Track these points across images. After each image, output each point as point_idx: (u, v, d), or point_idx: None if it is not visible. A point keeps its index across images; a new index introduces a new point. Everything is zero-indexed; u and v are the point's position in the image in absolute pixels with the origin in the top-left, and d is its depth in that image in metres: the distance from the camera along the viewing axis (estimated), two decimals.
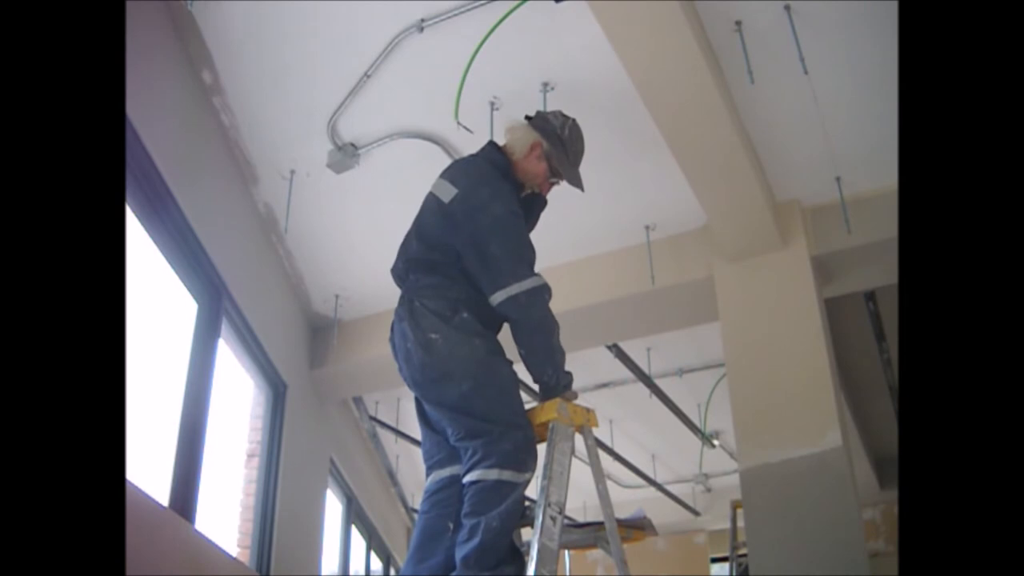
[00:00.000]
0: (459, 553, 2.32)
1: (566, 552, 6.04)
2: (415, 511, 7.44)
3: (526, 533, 2.47)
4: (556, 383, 2.54)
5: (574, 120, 2.87)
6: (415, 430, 6.47)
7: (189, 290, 3.68)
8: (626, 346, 5.48)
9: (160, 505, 2.94)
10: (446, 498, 2.52)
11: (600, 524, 2.58)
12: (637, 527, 2.77)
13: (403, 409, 6.51)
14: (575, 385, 2.59)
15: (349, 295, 5.04)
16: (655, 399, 6.21)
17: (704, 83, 3.23)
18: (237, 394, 4.56)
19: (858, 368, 5.89)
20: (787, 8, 3.26)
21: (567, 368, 2.59)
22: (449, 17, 3.41)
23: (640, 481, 7.81)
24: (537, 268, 2.59)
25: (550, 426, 2.46)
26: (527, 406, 2.54)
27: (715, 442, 7.29)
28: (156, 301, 3.60)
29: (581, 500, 6.81)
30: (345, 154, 3.98)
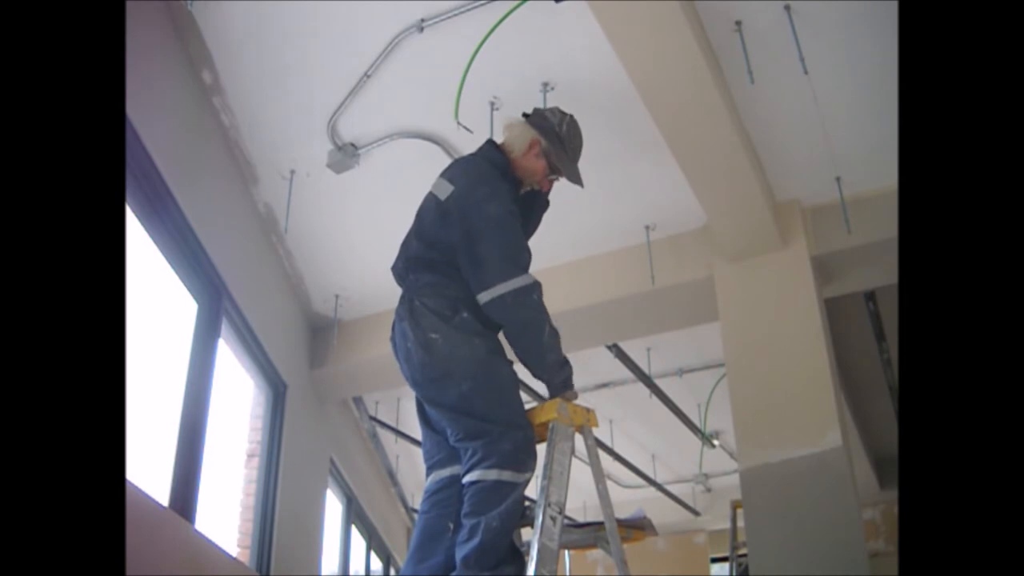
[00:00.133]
0: (459, 553, 2.32)
1: (566, 552, 6.03)
2: (415, 511, 7.44)
3: (526, 533, 2.47)
4: (549, 382, 2.53)
5: (572, 116, 2.87)
6: (415, 430, 6.49)
7: (189, 290, 3.68)
8: (626, 346, 5.48)
9: (160, 505, 2.94)
10: (446, 498, 2.51)
11: (600, 524, 2.58)
12: (637, 527, 2.77)
13: (403, 409, 6.52)
14: (575, 385, 2.59)
15: (349, 295, 5.04)
16: (655, 399, 6.21)
17: (704, 83, 3.23)
18: (237, 394, 4.56)
19: (858, 368, 5.89)
20: (787, 8, 3.26)
21: (569, 361, 2.56)
22: (449, 17, 3.41)
23: (640, 481, 7.81)
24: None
25: (550, 426, 2.45)
26: (527, 406, 2.54)
27: (715, 442, 7.29)
28: (156, 301, 3.61)
29: (581, 500, 6.81)
30: (345, 154, 3.98)
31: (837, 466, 3.70)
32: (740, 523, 4.33)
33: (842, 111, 3.74)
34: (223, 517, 4.23)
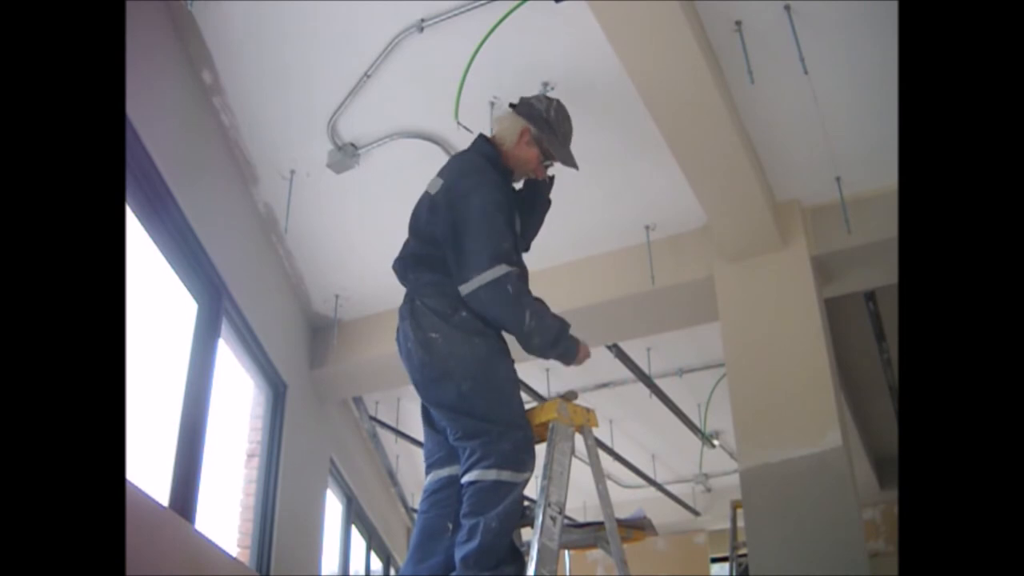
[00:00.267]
0: (459, 554, 2.32)
1: (566, 552, 6.03)
2: (415, 511, 7.42)
3: (526, 533, 2.47)
4: (556, 353, 2.54)
5: (558, 100, 2.88)
6: (415, 430, 6.51)
7: (189, 290, 3.68)
8: (626, 346, 5.48)
9: (160, 505, 2.94)
10: (445, 498, 2.51)
11: (600, 524, 2.58)
12: (637, 527, 2.78)
13: (403, 409, 6.52)
14: (575, 385, 2.59)
15: (349, 295, 5.04)
16: (655, 399, 6.21)
17: (704, 83, 3.22)
18: (237, 394, 4.56)
19: (858, 368, 5.89)
20: (787, 8, 3.26)
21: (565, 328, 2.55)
22: (449, 17, 3.41)
23: (640, 481, 7.81)
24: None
25: (550, 426, 2.46)
26: (527, 406, 2.54)
27: (715, 442, 7.29)
28: (156, 301, 3.61)
29: (581, 500, 6.81)
30: (345, 154, 3.98)
31: (837, 466, 3.70)
32: (740, 523, 4.33)
33: (842, 111, 3.74)
34: (223, 517, 4.24)
